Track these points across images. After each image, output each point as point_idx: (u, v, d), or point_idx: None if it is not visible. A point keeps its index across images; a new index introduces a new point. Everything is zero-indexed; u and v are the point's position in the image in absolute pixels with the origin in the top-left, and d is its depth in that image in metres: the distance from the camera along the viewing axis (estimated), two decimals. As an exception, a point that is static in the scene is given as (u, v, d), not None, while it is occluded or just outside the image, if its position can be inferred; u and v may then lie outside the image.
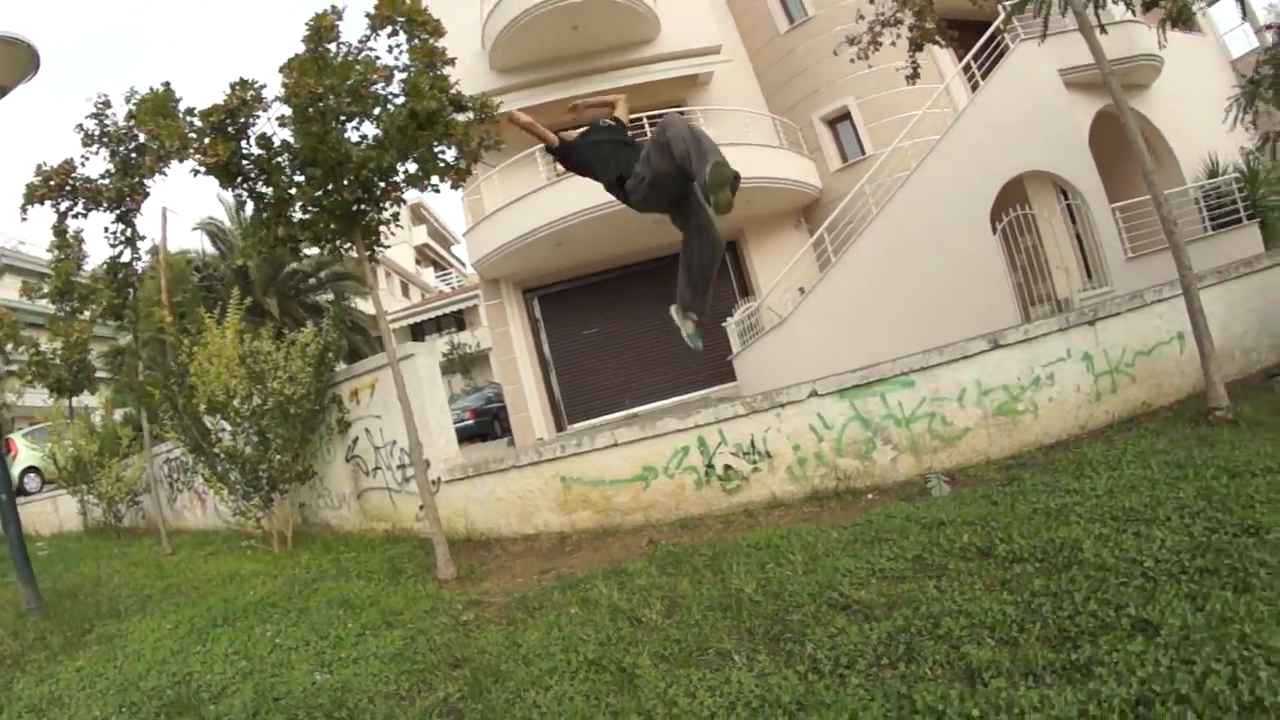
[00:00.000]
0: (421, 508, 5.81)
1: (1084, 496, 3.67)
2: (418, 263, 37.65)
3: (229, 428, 6.23)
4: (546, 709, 2.54)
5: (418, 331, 28.74)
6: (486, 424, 15.19)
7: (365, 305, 19.76)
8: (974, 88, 10.67)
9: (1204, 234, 10.53)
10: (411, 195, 5.75)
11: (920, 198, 9.67)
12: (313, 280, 18.09)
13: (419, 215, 36.85)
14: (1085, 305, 6.91)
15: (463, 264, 27.18)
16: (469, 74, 8.51)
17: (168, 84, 5.20)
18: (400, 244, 31.87)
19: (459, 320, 29.97)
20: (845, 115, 12.87)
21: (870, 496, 4.78)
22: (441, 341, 27.60)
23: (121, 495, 9.22)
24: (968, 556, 3.21)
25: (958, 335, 6.16)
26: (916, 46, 7.23)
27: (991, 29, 10.01)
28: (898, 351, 5.95)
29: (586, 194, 10.71)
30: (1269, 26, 9.36)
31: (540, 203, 10.94)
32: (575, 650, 2.97)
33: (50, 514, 11.76)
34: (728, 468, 5.31)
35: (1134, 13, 7.75)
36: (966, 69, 10.81)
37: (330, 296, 19.70)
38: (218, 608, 4.69)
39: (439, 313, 29.53)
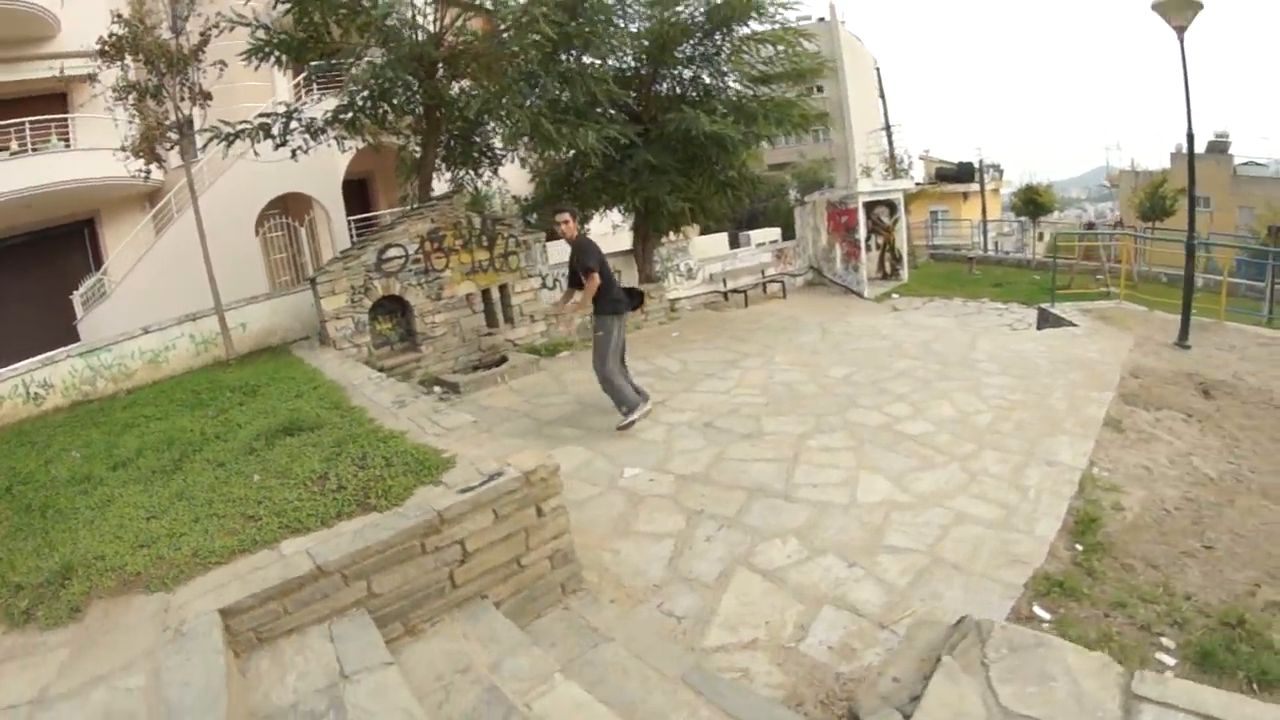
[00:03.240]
0: None
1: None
2: None
3: None
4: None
5: None
6: None
7: None
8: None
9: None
10: None
11: (213, 202, 14.33)
12: None
13: None
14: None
15: None
16: None
17: None
18: None
19: None
20: (190, 121, 17.05)
21: (95, 402, 12.36)
22: None
23: None
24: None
25: (230, 299, 12.32)
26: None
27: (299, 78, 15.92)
28: (192, 308, 12.45)
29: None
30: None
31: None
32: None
33: None
34: (36, 393, 12.27)
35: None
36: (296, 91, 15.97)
37: None
38: None
39: None
